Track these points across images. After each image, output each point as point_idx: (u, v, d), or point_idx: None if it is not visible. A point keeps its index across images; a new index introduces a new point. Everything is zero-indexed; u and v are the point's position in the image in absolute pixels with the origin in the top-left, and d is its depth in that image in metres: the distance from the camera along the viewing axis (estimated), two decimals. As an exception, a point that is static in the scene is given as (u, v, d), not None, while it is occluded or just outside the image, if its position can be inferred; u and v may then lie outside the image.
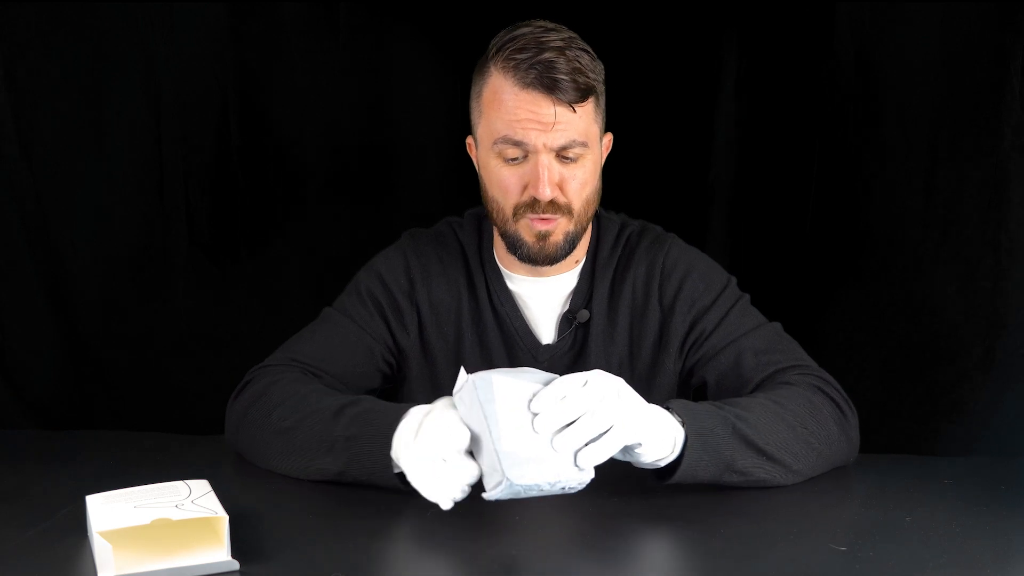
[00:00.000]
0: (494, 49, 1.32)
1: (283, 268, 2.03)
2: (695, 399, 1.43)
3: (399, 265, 1.46)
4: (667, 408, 1.14)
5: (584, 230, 1.39)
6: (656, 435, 1.10)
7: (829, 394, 1.29)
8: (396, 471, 1.14)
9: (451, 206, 1.56)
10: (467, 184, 1.56)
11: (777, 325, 1.40)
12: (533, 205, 1.32)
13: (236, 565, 0.97)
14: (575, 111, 1.29)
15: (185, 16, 1.93)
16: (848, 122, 1.81)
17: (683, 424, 1.12)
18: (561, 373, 1.40)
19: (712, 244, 1.78)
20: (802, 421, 1.22)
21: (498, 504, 1.04)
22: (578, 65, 1.28)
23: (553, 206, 1.32)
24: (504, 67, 1.30)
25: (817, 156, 1.86)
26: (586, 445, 1.03)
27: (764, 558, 1.00)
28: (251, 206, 2.01)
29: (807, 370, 1.33)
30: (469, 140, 1.41)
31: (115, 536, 0.95)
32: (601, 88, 1.34)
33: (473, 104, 1.37)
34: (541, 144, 1.29)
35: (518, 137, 1.29)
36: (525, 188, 1.32)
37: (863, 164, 1.80)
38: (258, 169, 2.01)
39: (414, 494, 1.09)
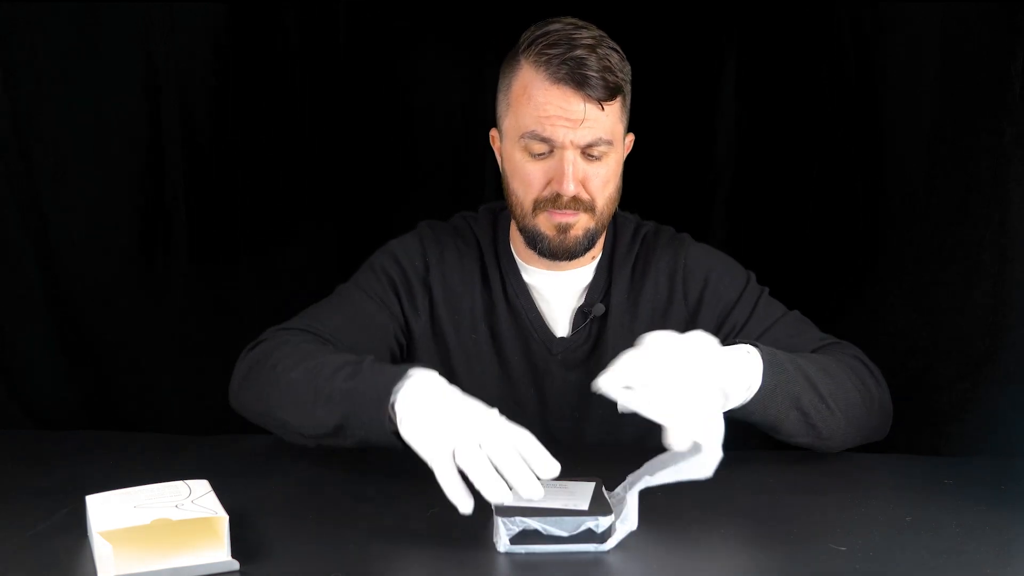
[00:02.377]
0: (525, 43, 1.32)
1: (283, 268, 2.03)
2: None
3: (415, 248, 1.47)
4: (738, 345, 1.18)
5: (604, 228, 1.39)
6: (742, 386, 1.15)
7: (865, 363, 1.35)
8: (393, 429, 1.11)
9: (455, 206, 1.56)
10: (470, 183, 1.56)
11: (797, 312, 1.43)
12: (555, 200, 1.32)
13: (236, 565, 0.97)
14: (603, 109, 1.30)
15: (185, 16, 1.93)
16: (848, 122, 1.81)
17: (760, 353, 1.17)
18: (575, 367, 1.41)
19: (712, 244, 1.77)
20: (853, 382, 1.28)
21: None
22: (608, 63, 1.29)
23: (575, 202, 1.32)
24: (535, 62, 1.30)
25: (817, 156, 1.87)
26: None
27: (764, 558, 1.00)
28: (251, 206, 2.01)
29: (839, 344, 1.38)
30: (493, 132, 1.42)
31: (115, 536, 0.95)
32: (628, 88, 1.35)
33: (500, 97, 1.37)
34: (568, 141, 1.29)
35: (546, 134, 1.30)
36: (548, 183, 1.32)
37: (863, 164, 1.80)
38: (258, 169, 2.01)
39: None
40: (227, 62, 1.97)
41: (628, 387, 1.01)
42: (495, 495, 0.98)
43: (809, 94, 1.86)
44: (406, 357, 1.46)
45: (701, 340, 1.08)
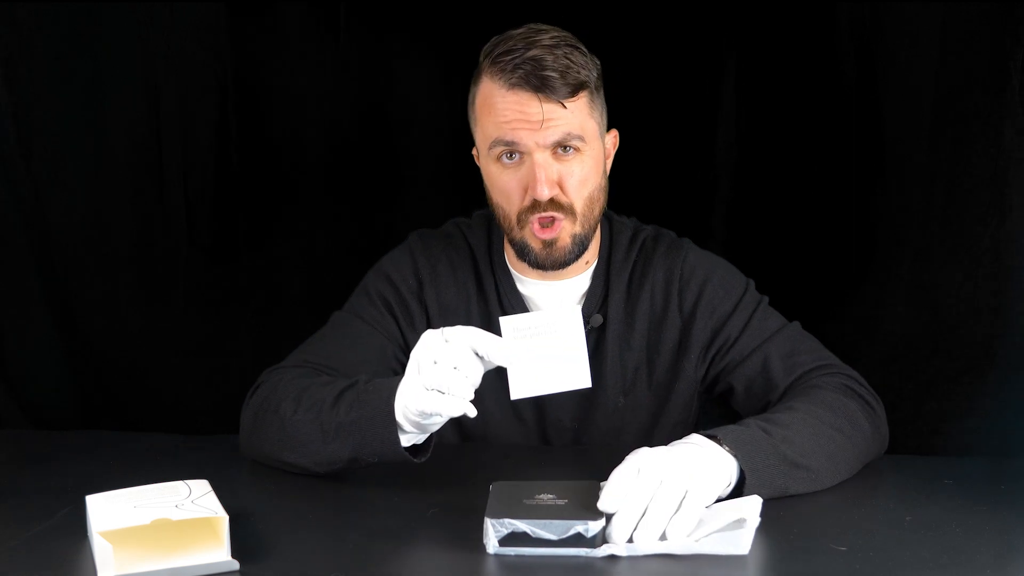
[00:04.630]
0: (483, 55, 1.32)
1: (283, 268, 2.03)
2: (721, 404, 1.43)
3: (407, 266, 1.45)
4: (716, 439, 1.12)
5: (592, 231, 1.37)
6: (719, 485, 1.09)
7: (858, 392, 1.30)
8: (405, 445, 1.15)
9: (453, 207, 1.56)
10: (469, 185, 1.55)
11: (796, 324, 1.41)
12: (534, 207, 1.31)
13: (236, 565, 0.97)
14: (566, 107, 1.28)
15: (185, 16, 1.93)
16: (849, 122, 1.81)
17: (736, 458, 1.11)
18: None
19: (713, 245, 1.77)
20: (841, 429, 1.22)
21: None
22: (566, 61, 1.27)
23: (554, 205, 1.30)
24: (491, 70, 1.30)
25: (817, 156, 1.86)
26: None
27: (764, 558, 1.00)
28: (251, 206, 2.01)
29: (832, 369, 1.34)
30: (474, 151, 1.41)
31: (115, 536, 0.95)
32: (596, 83, 1.33)
33: (470, 113, 1.37)
34: (533, 143, 1.28)
35: (509, 138, 1.29)
36: (526, 191, 1.31)
37: (863, 164, 1.80)
38: (258, 169, 2.01)
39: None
40: (227, 62, 1.97)
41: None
42: (468, 391, 1.10)
43: (809, 94, 1.86)
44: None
45: (682, 459, 1.07)
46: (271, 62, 1.99)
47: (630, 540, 1.00)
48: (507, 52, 1.28)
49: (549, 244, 1.33)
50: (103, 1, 1.89)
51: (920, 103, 1.69)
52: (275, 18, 1.98)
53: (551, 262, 1.35)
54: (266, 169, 2.01)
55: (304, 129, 2.02)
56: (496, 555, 0.99)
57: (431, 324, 1.42)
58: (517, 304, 1.42)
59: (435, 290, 1.43)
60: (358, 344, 1.40)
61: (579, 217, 1.33)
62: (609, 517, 1.01)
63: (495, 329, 1.44)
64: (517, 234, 1.34)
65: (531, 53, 1.27)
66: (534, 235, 1.33)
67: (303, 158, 2.02)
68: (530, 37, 1.29)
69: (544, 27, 1.31)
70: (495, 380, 1.42)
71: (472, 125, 1.37)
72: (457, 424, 1.41)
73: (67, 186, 1.92)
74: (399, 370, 1.43)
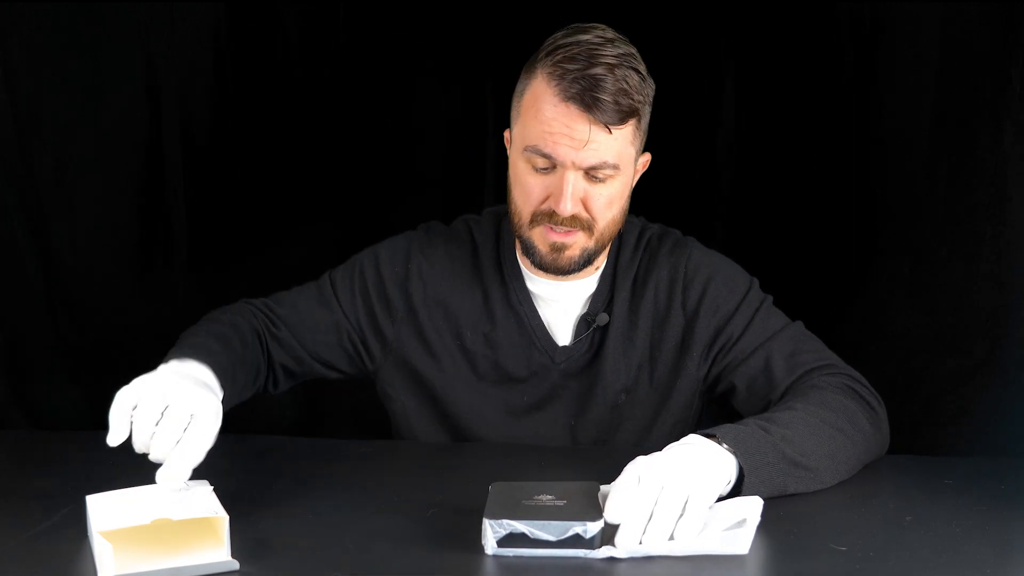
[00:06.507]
0: (547, 49, 1.29)
1: (283, 268, 2.03)
2: (722, 403, 1.43)
3: (400, 252, 1.46)
4: (714, 439, 1.12)
5: (604, 248, 1.37)
6: (720, 484, 1.08)
7: (859, 392, 1.30)
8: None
9: (454, 206, 1.56)
10: (469, 185, 1.56)
11: (799, 324, 1.40)
12: (552, 216, 1.30)
13: (236, 565, 0.97)
14: (611, 132, 1.26)
15: (185, 15, 1.93)
16: (848, 122, 1.81)
17: (735, 456, 1.11)
18: (575, 375, 1.40)
19: (713, 245, 1.77)
20: (841, 429, 1.22)
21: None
22: (624, 86, 1.24)
23: (573, 220, 1.30)
24: (550, 74, 1.26)
25: (817, 156, 1.87)
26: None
27: (764, 558, 1.00)
28: (251, 207, 2.01)
29: (834, 369, 1.34)
30: (506, 133, 1.38)
31: (115, 536, 0.95)
32: (646, 110, 1.31)
33: (514, 100, 1.34)
34: (570, 161, 1.26)
35: (547, 150, 1.27)
36: (547, 197, 1.30)
37: (863, 164, 1.81)
38: (258, 170, 2.01)
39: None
40: (227, 62, 1.97)
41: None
42: (139, 447, 1.09)
43: (809, 94, 1.86)
44: (371, 362, 1.46)
45: (679, 461, 1.06)
46: (271, 62, 1.99)
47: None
48: (570, 59, 1.25)
49: (557, 249, 1.32)
50: (103, 1, 1.89)
51: (920, 103, 1.69)
52: (275, 18, 1.98)
53: (555, 268, 1.35)
54: (266, 170, 2.01)
55: (304, 129, 2.02)
56: (494, 556, 0.99)
57: (416, 313, 1.43)
58: (525, 300, 1.42)
59: (422, 282, 1.44)
60: (317, 311, 1.45)
61: (596, 235, 1.32)
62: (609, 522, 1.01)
63: (504, 333, 1.43)
64: (526, 232, 1.34)
65: (592, 71, 1.23)
66: (543, 237, 1.32)
67: (303, 159, 2.02)
68: (595, 50, 1.25)
69: (610, 36, 1.27)
70: (492, 376, 1.43)
71: (513, 111, 1.34)
72: (454, 424, 1.42)
73: (67, 186, 1.92)
74: (351, 352, 1.46)
